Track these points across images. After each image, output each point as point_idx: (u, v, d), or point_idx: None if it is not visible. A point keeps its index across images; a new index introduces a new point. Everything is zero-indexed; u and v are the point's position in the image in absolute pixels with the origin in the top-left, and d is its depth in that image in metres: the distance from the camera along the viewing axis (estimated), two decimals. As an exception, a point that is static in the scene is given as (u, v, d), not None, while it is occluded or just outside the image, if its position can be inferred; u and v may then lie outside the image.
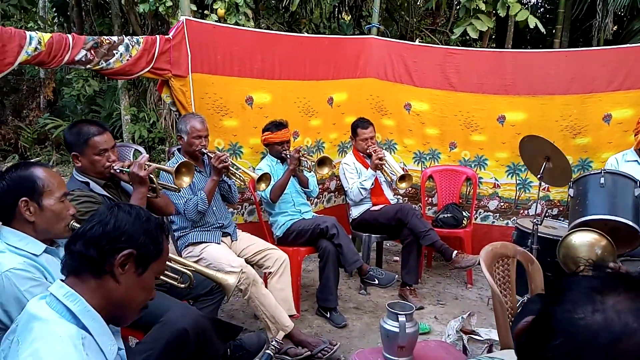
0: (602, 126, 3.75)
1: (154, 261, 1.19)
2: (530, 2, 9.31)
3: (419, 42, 4.39)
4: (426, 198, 4.15)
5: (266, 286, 2.80)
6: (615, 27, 7.47)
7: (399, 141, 4.27)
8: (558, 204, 3.96)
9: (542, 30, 4.54)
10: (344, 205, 4.09)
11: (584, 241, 2.05)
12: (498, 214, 4.07)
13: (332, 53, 3.99)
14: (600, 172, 2.74)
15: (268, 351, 1.94)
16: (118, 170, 2.20)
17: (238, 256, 2.82)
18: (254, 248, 2.95)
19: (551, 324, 0.65)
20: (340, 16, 7.45)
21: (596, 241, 1.77)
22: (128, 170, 2.18)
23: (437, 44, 6.11)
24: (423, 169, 4.19)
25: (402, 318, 1.99)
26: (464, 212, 3.85)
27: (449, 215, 3.84)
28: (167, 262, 1.98)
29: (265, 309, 2.66)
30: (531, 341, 0.67)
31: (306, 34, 4.37)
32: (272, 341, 1.98)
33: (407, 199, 4.26)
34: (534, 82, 3.88)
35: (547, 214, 3.62)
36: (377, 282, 3.15)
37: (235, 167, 2.93)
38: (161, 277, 1.92)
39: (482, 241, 2.81)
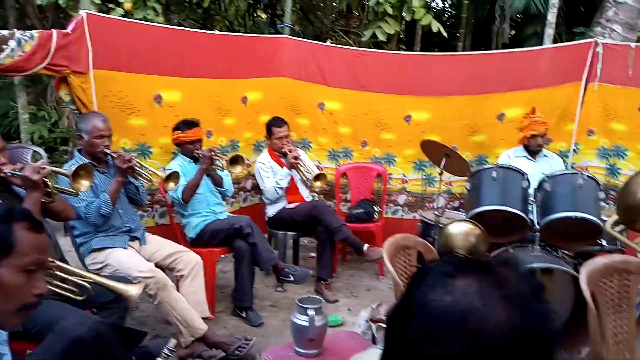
0: (496, 124, 4.09)
1: (4, 258, 1.11)
2: (437, 6, 9.86)
3: (331, 42, 4.49)
4: (340, 195, 4.27)
5: (178, 290, 2.74)
6: (514, 31, 8.09)
7: (313, 140, 4.36)
8: (459, 196, 4.25)
9: (444, 34, 4.84)
10: (260, 204, 4.09)
11: (460, 230, 2.24)
12: (407, 208, 4.30)
13: (245, 51, 3.97)
14: (493, 167, 2.98)
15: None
16: (9, 174, 2.05)
17: (148, 260, 2.73)
18: (164, 251, 2.86)
19: (410, 306, 0.69)
20: (256, 14, 7.42)
21: (470, 230, 1.94)
22: (20, 174, 2.04)
23: (351, 45, 6.30)
24: (337, 167, 4.30)
25: (311, 312, 2.05)
26: (375, 207, 4.01)
27: (361, 210, 3.98)
28: (64, 274, 1.88)
29: (176, 313, 2.60)
30: (394, 323, 0.73)
31: (218, 32, 4.31)
32: (166, 347, 1.93)
33: (322, 196, 4.35)
34: (436, 84, 4.14)
35: (448, 206, 3.87)
36: (292, 279, 3.20)
37: (142, 167, 2.82)
38: (55, 289, 1.82)
39: (392, 234, 2.94)
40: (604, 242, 2.97)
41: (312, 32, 7.14)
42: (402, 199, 4.30)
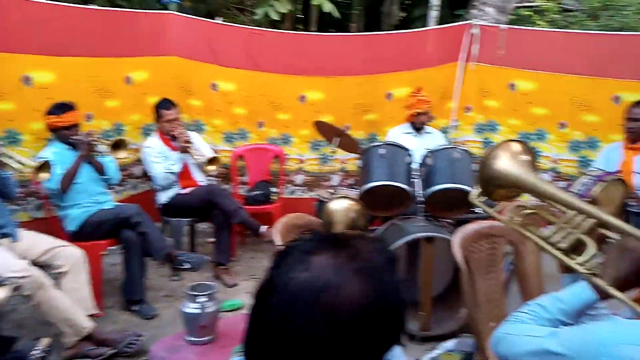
0: (385, 103, 4.25)
1: None
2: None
3: (223, 20, 4.35)
4: (237, 177, 4.20)
5: (60, 287, 2.54)
6: (405, 13, 8.41)
7: (207, 122, 4.22)
8: (354, 174, 4.39)
9: (337, 14, 4.91)
10: (151, 191, 3.90)
11: (341, 207, 2.33)
12: (305, 187, 4.35)
13: (127, 28, 3.71)
14: (380, 144, 3.10)
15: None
16: None
17: (22, 258, 2.48)
18: (40, 247, 2.62)
19: (272, 284, 0.70)
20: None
21: (350, 206, 2.02)
22: None
23: (245, 23, 6.15)
24: (233, 149, 4.22)
25: (200, 299, 2.01)
26: (273, 189, 4.01)
27: (259, 192, 3.96)
28: None
29: (57, 313, 2.41)
30: (257, 302, 0.72)
31: (96, 6, 3.96)
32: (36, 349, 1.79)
33: (219, 179, 4.26)
34: (330, 64, 4.19)
35: (343, 184, 3.99)
36: (188, 266, 3.11)
37: (7, 156, 2.54)
38: None
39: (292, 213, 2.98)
40: (479, 210, 3.24)
41: (204, 9, 6.86)
42: (299, 178, 4.34)
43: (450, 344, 2.38)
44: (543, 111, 4.02)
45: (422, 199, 3.00)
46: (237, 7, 7.30)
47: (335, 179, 4.39)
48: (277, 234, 2.15)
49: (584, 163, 3.88)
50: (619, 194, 3.11)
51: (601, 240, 1.23)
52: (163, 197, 3.60)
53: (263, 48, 4.11)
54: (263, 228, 3.47)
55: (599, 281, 1.14)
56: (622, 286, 1.12)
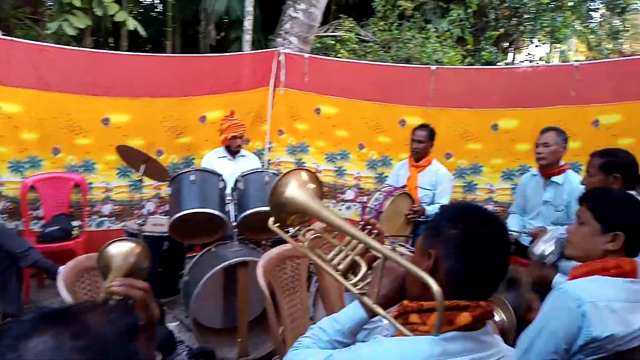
0: (199, 126, 4.19)
1: None
2: (145, 1, 9.52)
3: (2, 34, 3.77)
4: (29, 212, 3.67)
5: None
6: (223, 33, 8.43)
7: (-13, 149, 3.60)
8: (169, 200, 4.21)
9: (142, 33, 4.69)
10: None
11: (121, 250, 2.22)
12: (114, 218, 4.01)
13: None
14: (191, 170, 3.03)
15: None
16: None
17: None
18: None
19: None
20: None
21: (131, 249, 1.93)
22: None
23: (41, 36, 5.47)
24: (22, 179, 3.67)
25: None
26: (74, 222, 3.61)
27: (57, 227, 3.52)
28: None
29: None
30: None
31: None
32: None
33: (6, 215, 3.66)
34: (137, 85, 3.96)
35: (155, 211, 3.79)
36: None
37: None
38: None
39: (99, 248, 2.68)
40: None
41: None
42: (107, 208, 3.98)
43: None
44: (345, 133, 4.41)
45: (236, 224, 3.02)
46: (31, 17, 6.47)
47: (149, 207, 4.15)
48: (62, 283, 1.90)
49: (380, 179, 4.36)
50: (405, 205, 3.58)
51: (373, 261, 1.36)
52: None
53: (57, 66, 3.68)
54: (62, 268, 3.08)
55: (367, 300, 1.27)
56: (387, 304, 1.26)
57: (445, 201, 3.65)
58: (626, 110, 3.82)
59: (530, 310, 2.01)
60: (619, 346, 1.33)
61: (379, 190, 3.49)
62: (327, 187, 4.51)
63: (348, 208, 4.53)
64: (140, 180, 3.15)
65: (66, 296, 1.82)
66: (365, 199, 4.20)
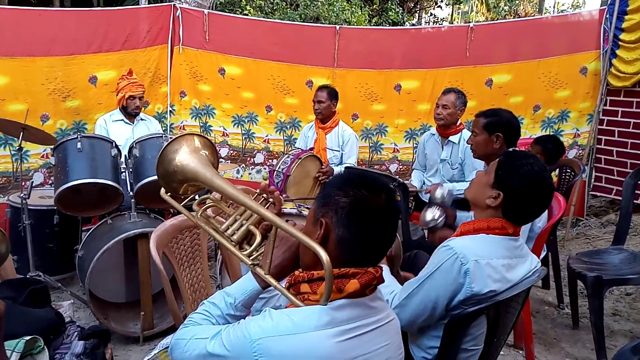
0: (90, 88, 3.82)
1: None
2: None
3: None
4: None
5: None
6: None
7: None
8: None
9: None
10: None
11: None
12: (-4, 191, 3.61)
13: None
14: (77, 137, 2.75)
15: None
16: None
17: None
18: None
19: None
20: None
21: None
22: None
23: None
24: None
25: None
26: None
27: None
28: None
29: None
30: None
31: None
32: None
33: None
34: (14, 42, 3.50)
35: (45, 182, 3.47)
36: None
37: None
38: None
39: None
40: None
41: None
42: (-16, 181, 3.56)
43: (167, 340, 2.33)
44: (251, 95, 4.26)
45: (133, 193, 2.83)
46: None
47: (38, 177, 3.78)
48: None
49: (290, 141, 4.31)
50: (314, 167, 3.58)
51: (268, 231, 1.31)
52: None
53: None
54: None
55: (259, 270, 1.23)
56: (281, 273, 1.23)
57: (352, 161, 3.70)
58: (516, 70, 4.07)
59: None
60: (497, 297, 1.43)
61: (287, 154, 3.44)
62: (235, 151, 4.38)
63: (258, 172, 4.45)
64: (20, 149, 2.82)
65: None
66: (275, 162, 4.15)
